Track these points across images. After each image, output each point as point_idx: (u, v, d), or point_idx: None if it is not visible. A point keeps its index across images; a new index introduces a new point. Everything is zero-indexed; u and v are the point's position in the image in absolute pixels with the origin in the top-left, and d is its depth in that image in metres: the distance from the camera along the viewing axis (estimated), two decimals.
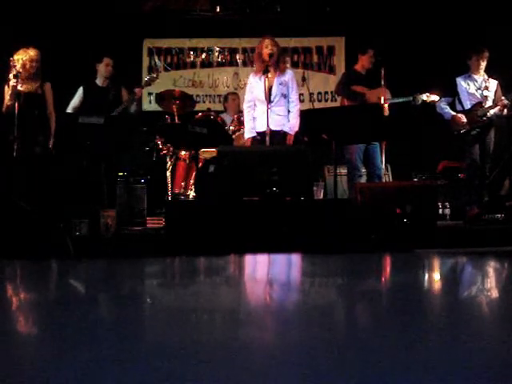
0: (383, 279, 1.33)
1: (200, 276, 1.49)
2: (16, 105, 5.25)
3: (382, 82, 5.79)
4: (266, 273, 1.55)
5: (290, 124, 5.47)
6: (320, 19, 7.90)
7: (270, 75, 5.37)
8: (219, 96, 8.06)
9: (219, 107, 7.52)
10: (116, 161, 5.76)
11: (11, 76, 5.38)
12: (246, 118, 5.61)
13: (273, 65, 5.44)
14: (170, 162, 6.33)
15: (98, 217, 4.86)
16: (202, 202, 5.18)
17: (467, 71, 5.94)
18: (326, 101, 8.13)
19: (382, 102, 5.76)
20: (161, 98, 6.57)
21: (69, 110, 5.84)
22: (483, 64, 5.86)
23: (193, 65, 8.37)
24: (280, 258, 1.89)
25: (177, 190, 6.25)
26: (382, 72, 5.76)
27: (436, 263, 1.71)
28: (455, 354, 0.58)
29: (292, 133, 5.48)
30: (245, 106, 5.68)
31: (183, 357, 0.58)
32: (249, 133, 5.57)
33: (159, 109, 6.82)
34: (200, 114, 6.45)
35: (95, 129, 5.00)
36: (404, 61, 7.11)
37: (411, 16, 7.48)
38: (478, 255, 2.48)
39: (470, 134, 5.81)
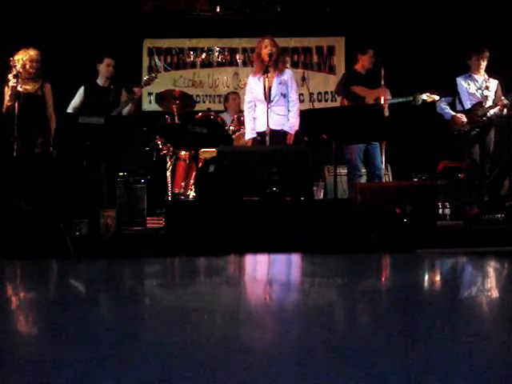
0: (383, 279, 1.33)
1: (200, 276, 1.49)
2: (16, 105, 5.25)
3: (382, 82, 5.80)
4: (266, 273, 1.55)
5: (290, 123, 5.47)
6: (320, 19, 7.90)
7: (269, 75, 5.38)
8: (219, 96, 8.07)
9: (219, 107, 7.53)
10: (116, 161, 5.77)
11: (11, 76, 5.38)
12: (247, 119, 5.62)
13: (272, 65, 5.45)
14: (169, 162, 6.33)
15: (97, 217, 4.86)
16: (201, 201, 5.18)
17: (467, 71, 5.94)
18: (326, 101, 8.14)
19: (382, 102, 5.77)
20: (161, 98, 6.57)
21: (69, 109, 5.85)
22: (483, 64, 5.86)
23: (193, 65, 8.38)
24: (280, 258, 1.89)
25: (177, 190, 6.26)
26: (382, 72, 5.76)
27: (436, 263, 1.71)
28: (455, 354, 0.58)
29: (292, 132, 5.49)
30: (245, 107, 5.69)
31: (183, 357, 0.58)
32: (250, 134, 5.58)
33: (159, 109, 6.83)
34: (200, 114, 6.46)
35: (95, 129, 5.00)
36: (404, 61, 7.11)
37: (411, 16, 7.49)
38: (478, 255, 2.48)
39: (470, 133, 5.81)
